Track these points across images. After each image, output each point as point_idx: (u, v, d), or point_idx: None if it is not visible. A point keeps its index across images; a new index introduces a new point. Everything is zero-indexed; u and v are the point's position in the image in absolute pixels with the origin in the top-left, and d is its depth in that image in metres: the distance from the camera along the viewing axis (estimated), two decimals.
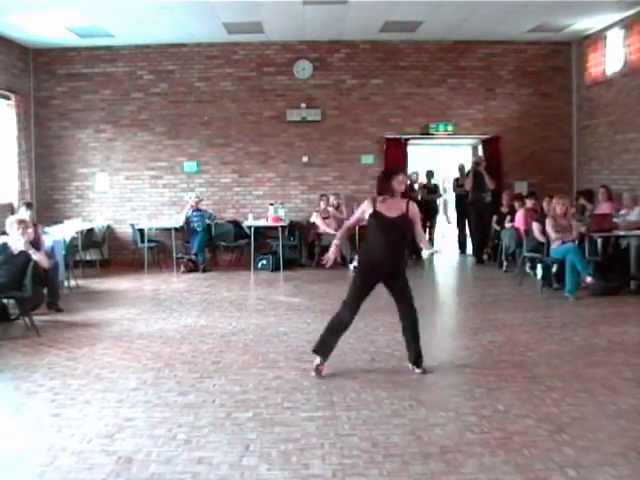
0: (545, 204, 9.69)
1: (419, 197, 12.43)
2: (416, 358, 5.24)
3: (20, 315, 6.97)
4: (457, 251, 12.83)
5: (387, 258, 5.11)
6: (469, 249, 12.41)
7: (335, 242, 5.33)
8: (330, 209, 11.44)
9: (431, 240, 12.86)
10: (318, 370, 5.14)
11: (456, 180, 12.56)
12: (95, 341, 6.35)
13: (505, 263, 10.53)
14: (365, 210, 5.18)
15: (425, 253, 5.43)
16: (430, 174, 12.76)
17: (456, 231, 13.01)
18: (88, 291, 9.40)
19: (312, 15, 10.13)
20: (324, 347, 5.20)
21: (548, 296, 8.41)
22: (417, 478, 3.39)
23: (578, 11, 9.96)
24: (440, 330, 6.98)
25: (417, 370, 5.20)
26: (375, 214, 5.11)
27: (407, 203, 5.16)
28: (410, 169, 12.47)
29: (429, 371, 5.19)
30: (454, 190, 12.70)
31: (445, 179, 15.02)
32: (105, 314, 7.66)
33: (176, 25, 10.47)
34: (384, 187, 5.15)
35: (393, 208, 5.10)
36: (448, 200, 14.81)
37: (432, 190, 12.69)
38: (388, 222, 5.07)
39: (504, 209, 11.00)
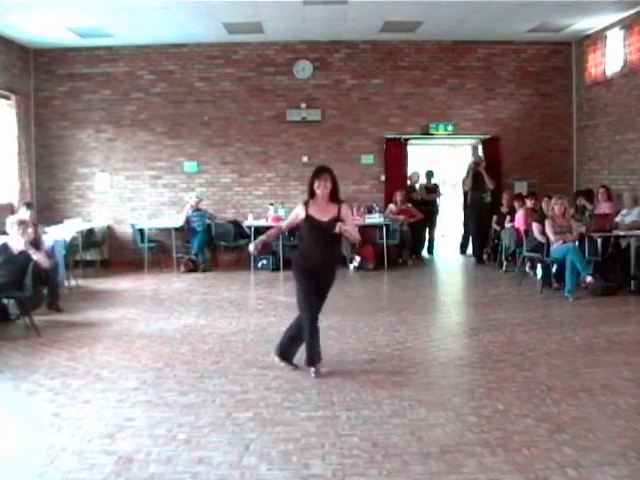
0: (544, 204, 9.69)
1: (420, 197, 12.43)
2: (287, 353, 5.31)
3: (20, 315, 6.97)
4: (458, 251, 12.71)
5: (320, 261, 5.11)
6: (469, 249, 12.39)
7: (262, 237, 5.32)
8: None
9: (431, 240, 12.89)
10: (317, 372, 5.13)
11: (465, 180, 12.50)
12: (95, 341, 6.35)
13: (505, 263, 10.54)
14: (298, 214, 5.16)
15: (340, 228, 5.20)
16: (430, 174, 12.75)
17: (462, 231, 12.87)
18: (88, 291, 9.40)
19: (312, 15, 10.13)
20: (312, 353, 5.18)
21: (548, 296, 8.41)
22: (417, 478, 3.39)
23: (578, 11, 9.96)
24: (440, 330, 6.97)
25: (313, 374, 5.12)
26: (307, 218, 5.08)
27: (339, 206, 5.11)
28: (410, 169, 12.47)
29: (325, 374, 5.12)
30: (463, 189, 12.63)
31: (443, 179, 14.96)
32: (105, 314, 7.67)
33: (176, 25, 10.47)
34: (309, 194, 5.14)
35: (325, 211, 5.07)
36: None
37: (432, 190, 12.67)
38: (320, 226, 5.05)
39: (504, 209, 11.00)
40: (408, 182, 12.37)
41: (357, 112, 12.02)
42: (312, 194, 5.11)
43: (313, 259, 5.10)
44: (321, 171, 5.11)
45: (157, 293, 9.20)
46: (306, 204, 5.13)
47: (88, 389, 4.89)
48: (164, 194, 12.03)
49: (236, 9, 9.67)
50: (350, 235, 5.18)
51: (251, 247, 5.35)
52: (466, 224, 12.59)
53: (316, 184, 5.05)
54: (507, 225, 10.55)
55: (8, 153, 10.79)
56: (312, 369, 5.14)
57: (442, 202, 13.53)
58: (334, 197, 5.11)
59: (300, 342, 5.26)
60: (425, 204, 12.28)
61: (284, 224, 5.42)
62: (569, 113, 12.19)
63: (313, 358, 5.16)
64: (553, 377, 5.02)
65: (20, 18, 9.64)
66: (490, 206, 11.44)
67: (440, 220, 13.41)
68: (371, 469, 3.49)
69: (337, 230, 5.05)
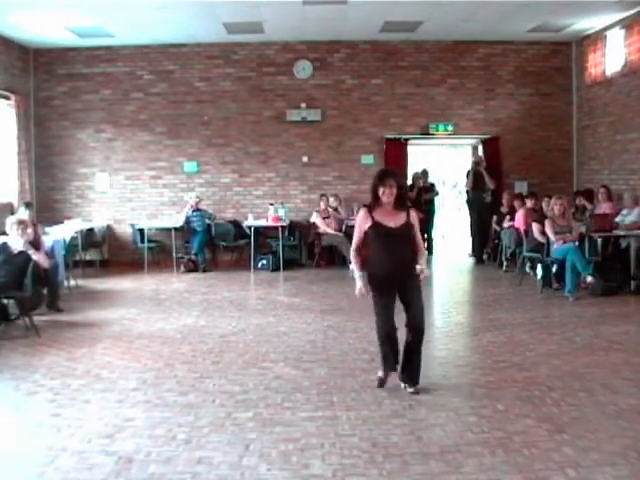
0: (544, 204, 9.70)
1: (420, 184, 12.41)
2: (412, 375, 4.77)
3: (20, 315, 6.95)
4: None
5: (396, 272, 4.66)
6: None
7: (357, 275, 4.75)
8: (330, 209, 11.46)
9: (430, 241, 12.86)
10: (380, 381, 4.85)
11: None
12: (95, 341, 6.34)
13: (505, 263, 10.54)
14: (364, 222, 4.70)
15: (419, 270, 4.68)
16: (425, 173, 12.72)
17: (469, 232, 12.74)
18: (88, 291, 9.40)
19: (312, 15, 10.13)
20: (385, 361, 4.83)
21: (548, 296, 8.41)
22: (417, 478, 3.39)
23: (578, 11, 9.96)
24: (440, 330, 6.97)
25: (410, 389, 4.72)
26: (374, 225, 4.65)
27: (407, 211, 4.69)
28: (410, 169, 12.44)
29: (421, 391, 4.70)
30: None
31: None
32: (105, 314, 7.66)
33: (176, 25, 10.47)
34: (372, 199, 4.69)
35: (393, 217, 4.65)
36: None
37: (428, 189, 12.63)
38: (389, 232, 4.64)
39: (504, 209, 10.99)
40: (410, 182, 12.36)
41: (357, 112, 12.02)
42: (376, 199, 4.65)
43: (385, 268, 4.65)
44: (386, 176, 4.64)
45: (157, 293, 9.19)
46: (369, 209, 4.68)
47: (88, 389, 4.89)
48: (164, 194, 12.03)
49: (236, 9, 9.67)
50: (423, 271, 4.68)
51: (359, 292, 4.73)
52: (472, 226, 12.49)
53: (380, 190, 4.59)
54: (505, 225, 10.57)
55: (8, 153, 10.79)
56: (379, 372, 4.89)
57: (440, 201, 13.50)
58: (401, 204, 4.66)
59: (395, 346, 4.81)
60: (422, 203, 12.22)
61: (354, 244, 4.80)
62: (569, 113, 12.19)
63: (385, 364, 4.84)
64: (553, 377, 5.01)
65: (20, 18, 9.64)
66: (490, 206, 11.44)
67: (438, 220, 13.37)
68: (371, 469, 3.49)
69: (420, 273, 4.62)
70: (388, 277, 4.68)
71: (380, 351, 4.88)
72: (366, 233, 4.71)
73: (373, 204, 4.69)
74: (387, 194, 4.59)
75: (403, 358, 4.80)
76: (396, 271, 4.67)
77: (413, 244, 4.74)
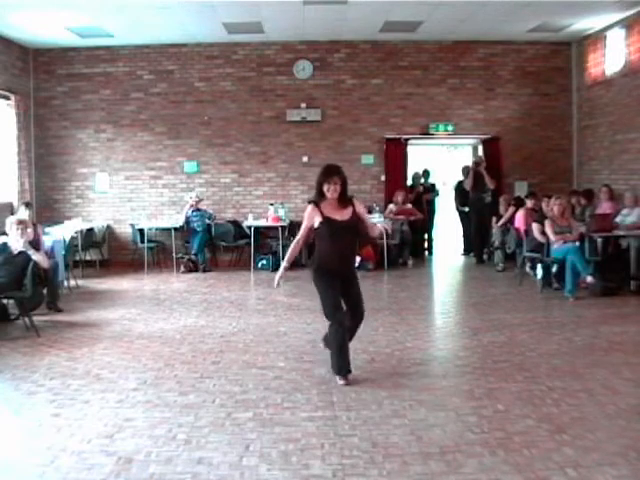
0: (544, 204, 9.70)
1: (421, 188, 12.45)
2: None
3: (20, 315, 6.96)
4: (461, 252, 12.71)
5: (344, 264, 4.98)
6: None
7: (284, 264, 5.03)
8: None
9: (430, 241, 12.88)
10: (346, 380, 4.90)
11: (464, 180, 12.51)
12: (95, 341, 6.34)
13: (501, 264, 10.59)
14: (313, 217, 4.88)
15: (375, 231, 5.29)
16: (426, 173, 12.73)
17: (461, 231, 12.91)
18: (88, 291, 9.40)
19: (312, 15, 10.13)
20: (342, 364, 4.91)
21: (548, 296, 8.41)
22: (417, 478, 3.39)
23: (578, 11, 9.96)
24: (440, 330, 6.97)
25: (340, 382, 4.90)
26: (326, 220, 4.83)
27: (352, 203, 4.93)
28: (410, 169, 12.45)
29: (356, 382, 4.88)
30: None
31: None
32: (105, 314, 7.66)
33: (176, 25, 10.47)
34: (317, 195, 4.89)
35: (339, 211, 4.88)
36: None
37: (429, 189, 12.64)
38: (341, 226, 4.85)
39: (503, 210, 10.98)
40: (410, 182, 12.37)
41: (357, 112, 12.01)
42: (321, 194, 4.86)
43: (335, 263, 4.90)
44: (331, 173, 4.85)
45: (157, 293, 9.19)
46: (316, 205, 4.88)
47: (88, 389, 4.89)
48: (164, 194, 12.03)
49: (236, 9, 9.67)
50: (378, 230, 5.33)
51: (276, 283, 5.06)
52: (463, 224, 12.60)
53: (325, 187, 4.80)
54: (495, 224, 10.80)
55: (8, 153, 10.79)
56: (338, 378, 4.91)
57: (440, 202, 13.52)
58: (344, 198, 4.88)
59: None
60: (423, 204, 12.26)
61: (301, 238, 5.00)
62: (569, 113, 12.18)
63: (343, 368, 4.91)
64: (553, 377, 5.02)
65: (20, 18, 9.64)
66: (490, 206, 11.44)
67: (439, 220, 13.39)
68: (371, 469, 3.49)
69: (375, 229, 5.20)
70: (337, 270, 4.91)
71: (335, 354, 4.94)
72: (316, 229, 4.88)
73: (318, 199, 4.88)
74: (332, 190, 4.80)
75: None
76: (343, 264, 4.96)
77: (357, 235, 5.09)
